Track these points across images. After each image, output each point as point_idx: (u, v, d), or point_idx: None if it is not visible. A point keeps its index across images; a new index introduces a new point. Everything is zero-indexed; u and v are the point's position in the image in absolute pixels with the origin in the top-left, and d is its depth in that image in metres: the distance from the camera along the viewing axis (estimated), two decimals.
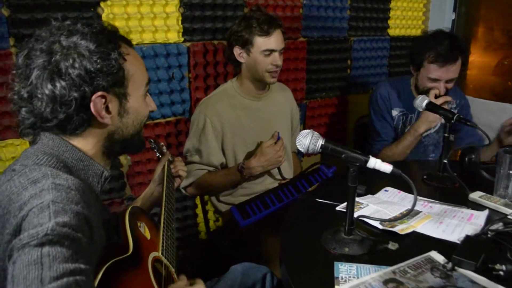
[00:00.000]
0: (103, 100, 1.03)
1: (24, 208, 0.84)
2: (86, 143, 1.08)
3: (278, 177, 2.17)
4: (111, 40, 1.05)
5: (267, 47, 1.94)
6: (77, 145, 1.06)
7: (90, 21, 1.11)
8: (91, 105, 1.01)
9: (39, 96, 0.99)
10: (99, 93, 1.01)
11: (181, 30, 2.25)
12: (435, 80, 2.19)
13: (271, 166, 2.01)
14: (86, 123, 1.04)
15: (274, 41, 1.94)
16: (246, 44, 1.95)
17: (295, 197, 1.91)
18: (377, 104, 2.44)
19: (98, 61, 1.00)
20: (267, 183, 2.14)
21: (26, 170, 0.93)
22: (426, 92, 2.20)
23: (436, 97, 2.10)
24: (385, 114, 2.43)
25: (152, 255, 1.13)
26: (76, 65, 0.98)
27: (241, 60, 2.00)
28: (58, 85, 0.98)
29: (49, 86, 0.98)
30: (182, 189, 2.06)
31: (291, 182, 2.00)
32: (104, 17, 2.00)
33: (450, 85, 2.21)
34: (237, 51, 1.99)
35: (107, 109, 1.05)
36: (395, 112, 2.42)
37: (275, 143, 1.99)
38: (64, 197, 0.87)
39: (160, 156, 1.66)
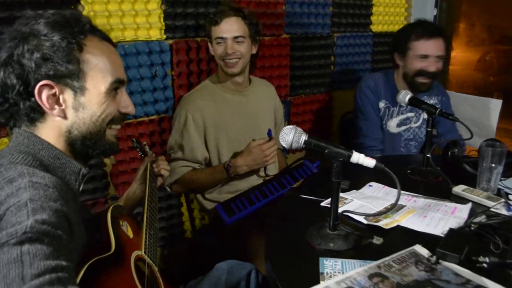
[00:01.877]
0: (52, 90, 1.00)
1: (1, 207, 0.83)
2: (49, 137, 1.05)
3: (263, 174, 2.16)
4: (70, 28, 1.02)
5: (217, 35, 1.97)
6: (49, 141, 1.04)
7: (62, 11, 1.06)
8: (35, 93, 0.99)
9: None
10: (44, 81, 0.99)
11: (163, 28, 2.23)
12: (425, 57, 2.25)
13: (257, 165, 2.01)
14: (35, 113, 1.02)
15: (223, 29, 1.96)
16: (208, 36, 2.03)
17: (280, 192, 1.90)
18: (365, 96, 2.44)
19: (47, 48, 0.98)
20: (252, 180, 2.13)
21: (2, 169, 0.91)
22: (417, 75, 2.28)
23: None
24: (374, 105, 2.44)
25: (135, 253, 1.13)
26: (26, 53, 0.97)
27: (212, 52, 2.05)
28: (6, 71, 0.98)
29: (1, 75, 0.98)
30: (167, 187, 2.05)
31: (275, 178, 2.00)
32: (84, 14, 1.96)
33: (439, 65, 2.27)
34: (209, 45, 2.06)
35: (57, 101, 1.02)
36: (381, 104, 2.44)
37: (269, 140, 1.98)
38: (42, 195, 0.85)
39: (142, 155, 1.65)
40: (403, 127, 2.47)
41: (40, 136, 1.04)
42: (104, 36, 1.12)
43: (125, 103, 1.15)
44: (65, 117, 1.04)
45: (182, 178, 2.02)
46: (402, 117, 2.45)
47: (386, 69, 2.52)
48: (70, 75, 1.01)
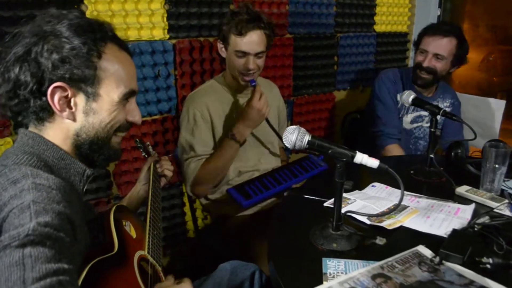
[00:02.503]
0: (65, 93, 1.00)
1: (4, 209, 0.82)
2: (56, 136, 1.04)
3: (270, 166, 2.17)
4: (92, 34, 1.02)
5: (239, 48, 1.89)
6: (54, 142, 1.04)
7: (82, 14, 1.06)
8: (48, 93, 0.98)
9: (6, 77, 0.99)
10: (58, 83, 0.98)
11: (167, 27, 2.23)
12: (424, 51, 2.32)
13: (258, 122, 1.96)
14: (44, 113, 1.01)
15: (247, 43, 1.88)
16: (224, 40, 1.93)
17: (293, 181, 1.90)
18: (385, 86, 2.48)
19: (67, 51, 0.97)
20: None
21: (6, 170, 0.91)
22: (416, 68, 2.36)
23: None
24: (393, 95, 2.47)
25: (138, 253, 1.12)
26: (45, 52, 0.97)
27: (222, 54, 1.98)
28: (23, 67, 0.97)
29: (16, 70, 0.97)
30: (190, 194, 2.03)
31: (286, 166, 2.00)
32: (88, 14, 1.97)
33: (438, 64, 2.30)
34: (219, 45, 1.97)
35: (69, 104, 1.02)
36: (399, 97, 2.43)
37: (254, 91, 1.92)
38: (45, 197, 0.85)
39: (146, 155, 1.65)
40: (415, 125, 2.50)
41: (46, 137, 1.04)
42: (123, 45, 1.11)
43: (134, 113, 1.14)
44: (74, 120, 1.04)
45: (198, 174, 1.97)
46: (417, 114, 2.47)
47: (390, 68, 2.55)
48: (86, 80, 1.01)
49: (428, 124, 2.47)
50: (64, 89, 0.99)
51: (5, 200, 0.84)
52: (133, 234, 1.20)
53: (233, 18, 1.87)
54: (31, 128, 1.05)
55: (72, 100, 1.01)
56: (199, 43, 2.36)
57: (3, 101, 1.02)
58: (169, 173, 1.63)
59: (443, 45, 2.28)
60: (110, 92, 1.05)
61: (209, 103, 1.98)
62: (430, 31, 2.33)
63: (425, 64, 2.31)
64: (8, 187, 0.87)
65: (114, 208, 1.20)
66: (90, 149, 1.08)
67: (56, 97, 0.99)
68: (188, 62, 2.35)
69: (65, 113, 1.02)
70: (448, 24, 2.35)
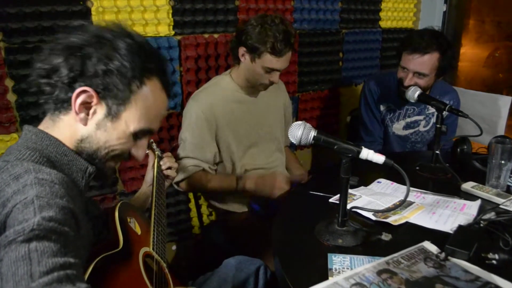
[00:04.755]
0: (90, 100, 1.00)
1: (8, 204, 0.83)
2: (63, 134, 1.04)
3: (276, 163, 2.18)
4: (145, 62, 1.03)
5: (272, 66, 1.88)
6: (56, 137, 1.03)
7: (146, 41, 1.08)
8: (75, 92, 0.98)
9: (48, 58, 1.00)
10: (88, 88, 0.98)
11: (172, 23, 2.23)
12: (404, 68, 2.16)
13: (263, 190, 1.92)
14: (63, 105, 1.02)
15: (281, 63, 1.89)
16: (253, 52, 1.88)
17: None
18: (366, 98, 2.47)
19: (114, 66, 0.98)
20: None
21: (9, 166, 0.91)
22: (400, 84, 2.19)
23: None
24: (373, 108, 2.46)
25: (143, 250, 1.13)
26: (94, 57, 0.98)
27: (242, 60, 1.95)
28: (68, 59, 0.98)
29: (61, 57, 0.98)
30: (174, 184, 2.04)
31: None
32: (93, 10, 1.97)
33: (420, 81, 2.12)
34: (241, 51, 1.93)
35: (88, 109, 1.01)
36: (382, 107, 2.45)
37: (289, 184, 1.91)
38: (48, 192, 0.85)
39: (147, 152, 1.65)
40: (411, 130, 2.45)
41: (56, 129, 1.04)
42: (167, 86, 1.12)
43: (140, 149, 1.13)
44: (85, 125, 1.03)
45: (191, 178, 1.99)
46: (409, 120, 2.42)
47: (395, 66, 2.51)
48: (115, 98, 1.01)
49: (426, 129, 2.45)
50: (91, 96, 0.99)
51: (8, 195, 0.84)
52: (138, 230, 1.20)
53: (266, 34, 1.83)
54: (45, 119, 1.06)
55: (93, 108, 1.02)
56: (204, 40, 2.36)
57: (35, 75, 1.02)
58: (172, 173, 1.63)
59: (423, 63, 2.10)
60: (129, 121, 1.04)
61: (213, 103, 1.98)
62: (408, 47, 2.13)
63: (406, 83, 2.12)
64: (11, 183, 0.87)
65: (119, 205, 1.20)
66: (88, 158, 1.07)
67: (80, 99, 0.99)
68: (193, 58, 2.35)
69: (80, 116, 1.01)
70: (427, 35, 2.11)
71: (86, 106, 1.01)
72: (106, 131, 1.04)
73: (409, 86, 2.04)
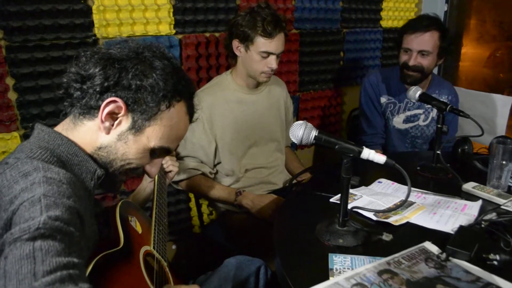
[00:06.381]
0: (117, 111, 1.01)
1: (15, 201, 0.83)
2: (82, 138, 1.05)
3: (276, 163, 2.19)
4: (176, 86, 1.06)
5: (266, 49, 1.89)
6: (73, 139, 1.04)
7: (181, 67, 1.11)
8: (104, 101, 1.00)
9: (86, 65, 1.02)
10: (119, 101, 1.00)
11: (173, 22, 2.23)
12: (408, 50, 2.25)
13: (259, 209, 1.92)
14: (90, 112, 1.03)
15: (274, 44, 1.89)
16: (246, 40, 1.90)
17: None
18: (366, 92, 2.51)
19: (147, 84, 1.01)
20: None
21: (18, 163, 0.92)
22: (403, 68, 2.28)
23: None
24: (374, 101, 2.49)
25: (144, 249, 1.13)
26: (131, 72, 1.01)
27: (238, 53, 1.96)
28: (106, 68, 1.00)
29: (98, 66, 1.01)
30: (173, 184, 2.04)
31: None
32: (94, 9, 1.97)
33: (424, 61, 2.22)
34: (235, 44, 1.94)
35: (113, 120, 1.03)
36: (383, 99, 2.47)
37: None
38: (55, 191, 0.85)
39: None
40: (410, 124, 2.46)
41: (75, 133, 1.05)
42: (191, 111, 1.15)
43: (154, 166, 1.15)
44: (107, 134, 1.04)
45: (191, 181, 2.00)
46: (409, 113, 2.44)
47: (396, 65, 2.51)
48: (142, 113, 1.03)
49: (425, 123, 2.46)
50: (120, 107, 1.01)
51: (16, 192, 0.84)
52: (139, 229, 1.20)
53: (255, 18, 1.86)
54: (66, 120, 1.07)
55: (119, 119, 1.03)
56: (205, 38, 2.36)
57: (68, 79, 1.04)
58: (174, 169, 1.63)
59: (426, 41, 2.20)
60: (151, 138, 1.06)
61: (214, 103, 1.98)
62: (409, 28, 2.24)
63: (411, 63, 2.22)
64: (19, 180, 0.87)
65: (120, 203, 1.20)
66: (101, 165, 1.08)
67: (108, 108, 1.00)
68: (194, 57, 2.35)
69: (105, 125, 1.02)
70: (426, 17, 2.26)
71: (112, 116, 1.02)
72: (127, 143, 1.05)
73: (415, 66, 2.21)
